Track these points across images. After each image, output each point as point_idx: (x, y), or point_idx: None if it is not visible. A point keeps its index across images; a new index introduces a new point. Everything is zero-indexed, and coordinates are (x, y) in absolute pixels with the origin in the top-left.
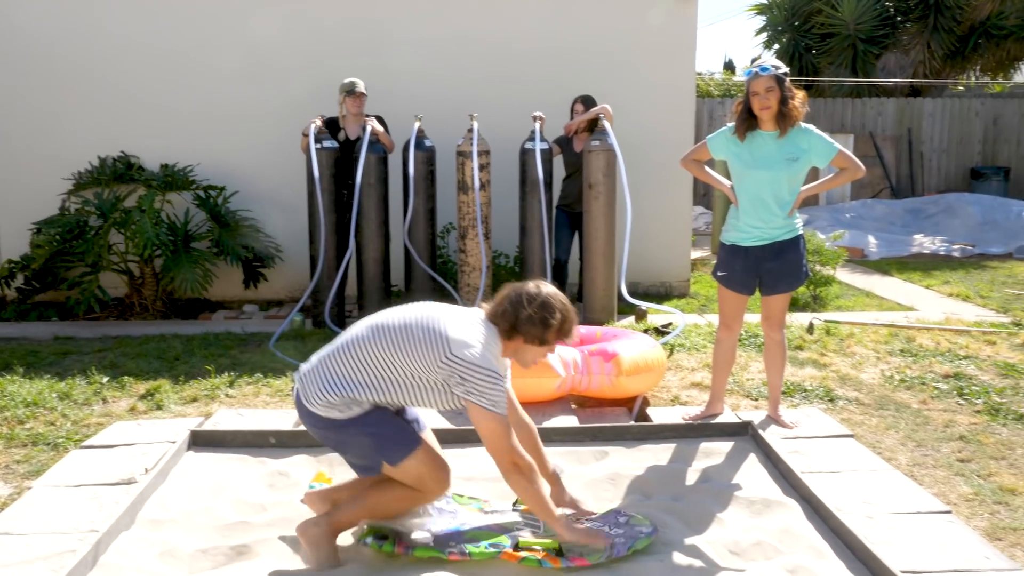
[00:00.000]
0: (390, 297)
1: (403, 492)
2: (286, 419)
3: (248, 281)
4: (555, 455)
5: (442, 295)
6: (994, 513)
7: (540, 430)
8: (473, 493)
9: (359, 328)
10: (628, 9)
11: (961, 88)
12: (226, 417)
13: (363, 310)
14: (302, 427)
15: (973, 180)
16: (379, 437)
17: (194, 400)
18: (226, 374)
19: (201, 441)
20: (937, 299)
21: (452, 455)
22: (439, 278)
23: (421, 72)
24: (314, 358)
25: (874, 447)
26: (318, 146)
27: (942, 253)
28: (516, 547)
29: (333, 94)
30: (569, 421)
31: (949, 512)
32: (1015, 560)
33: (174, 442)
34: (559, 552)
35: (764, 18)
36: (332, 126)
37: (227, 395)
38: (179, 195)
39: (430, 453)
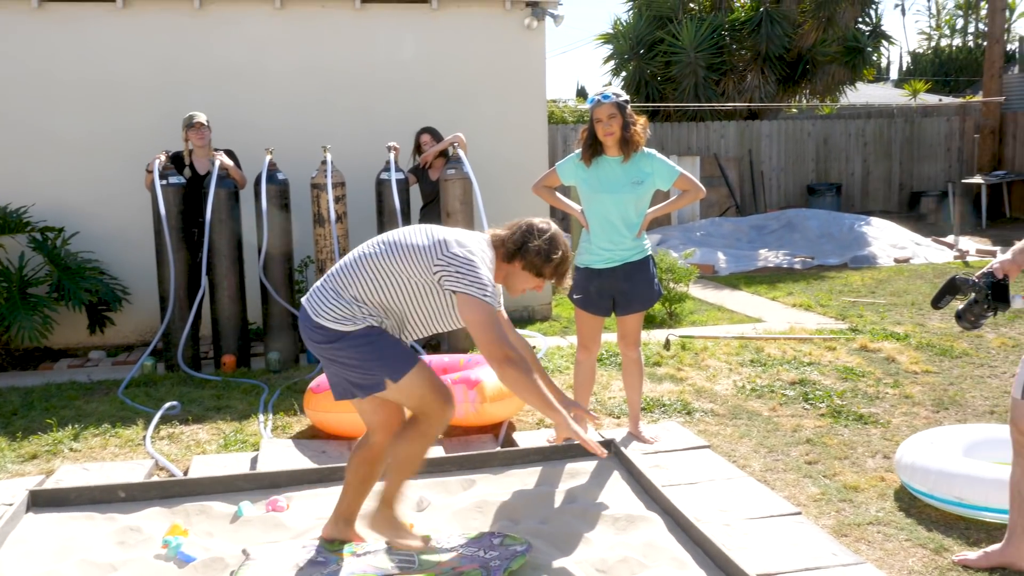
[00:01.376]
0: (248, 336)
1: (414, 431)
2: (137, 470)
3: (94, 326)
4: (421, 487)
5: None
6: (839, 511)
7: None
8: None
9: (363, 245)
10: (479, 39)
11: (795, 111)
12: (70, 473)
13: (219, 350)
14: (155, 478)
15: (809, 196)
16: (382, 349)
17: (34, 457)
18: (70, 427)
19: (42, 501)
20: (782, 310)
21: (311, 495)
22: (299, 313)
23: (271, 104)
24: (322, 278)
25: (729, 456)
26: (163, 182)
27: (785, 266)
28: None
29: (179, 127)
30: (435, 451)
31: (799, 513)
32: (860, 554)
33: (11, 504)
34: None
35: (611, 47)
36: (179, 161)
37: (71, 449)
38: (12, 239)
39: (429, 372)
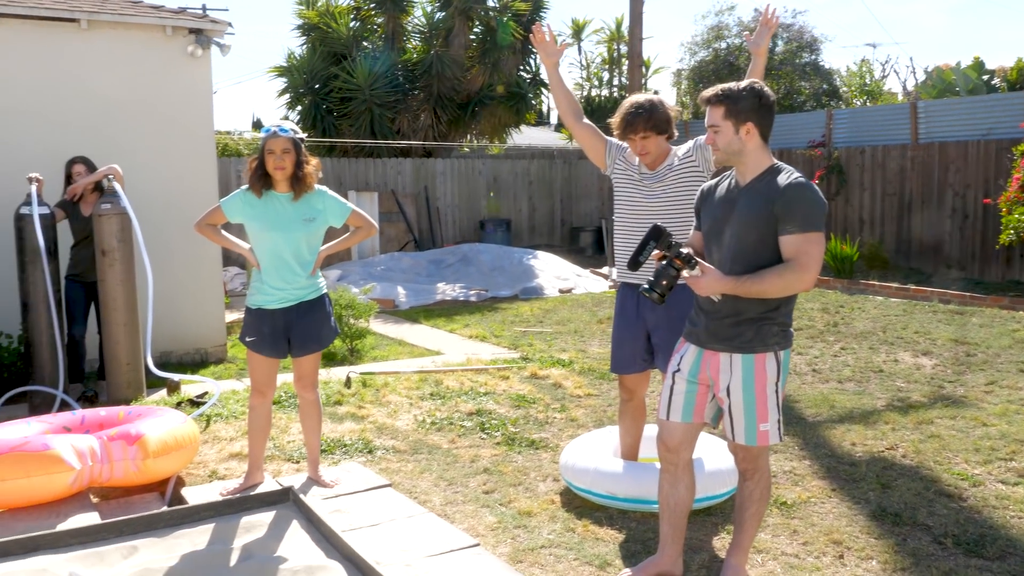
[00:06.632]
0: None
1: None
2: None
3: None
4: (73, 560)
5: None
6: (515, 538)
7: (51, 535)
8: None
9: None
10: (138, 65)
11: (466, 150)
12: None
13: None
14: None
15: (482, 231)
16: None
17: None
18: None
19: None
20: (460, 342)
21: None
22: None
23: None
24: None
25: (411, 492)
26: None
27: (462, 299)
28: None
29: None
30: (89, 519)
31: (477, 545)
32: None
33: None
34: None
35: (285, 80)
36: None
37: None
38: None
39: None
